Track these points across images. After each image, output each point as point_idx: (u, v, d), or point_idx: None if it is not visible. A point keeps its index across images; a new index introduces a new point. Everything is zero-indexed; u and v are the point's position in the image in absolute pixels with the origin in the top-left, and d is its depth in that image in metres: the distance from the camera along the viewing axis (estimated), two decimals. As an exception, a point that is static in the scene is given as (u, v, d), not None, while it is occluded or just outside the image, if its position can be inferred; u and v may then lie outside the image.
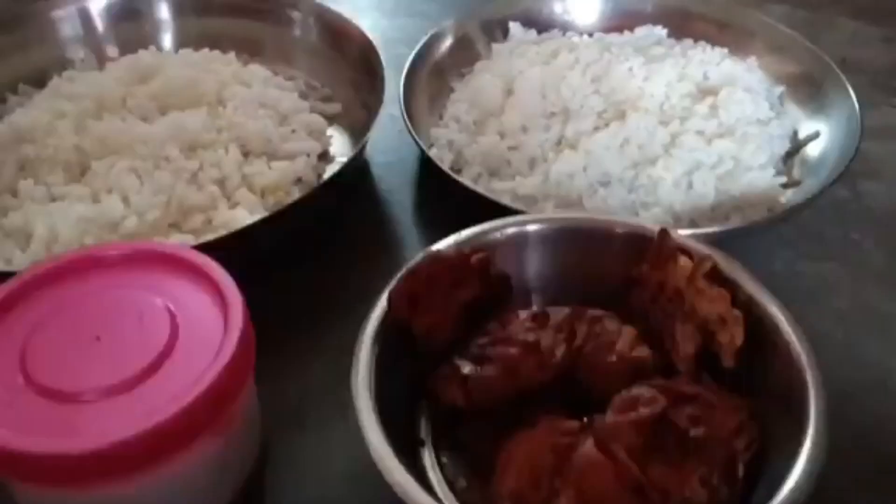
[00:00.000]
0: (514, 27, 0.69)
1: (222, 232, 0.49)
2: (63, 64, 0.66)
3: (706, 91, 0.59)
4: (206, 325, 0.37)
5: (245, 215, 0.51)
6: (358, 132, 0.62)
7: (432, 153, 0.58)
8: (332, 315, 0.49)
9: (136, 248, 0.40)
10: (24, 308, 0.37)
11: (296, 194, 0.55)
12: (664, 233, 0.42)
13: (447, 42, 0.67)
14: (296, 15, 0.67)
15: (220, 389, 0.34)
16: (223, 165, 0.54)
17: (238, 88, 0.60)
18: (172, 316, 0.37)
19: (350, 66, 0.64)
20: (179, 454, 0.34)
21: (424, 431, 0.41)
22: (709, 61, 0.62)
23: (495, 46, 0.67)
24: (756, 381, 0.39)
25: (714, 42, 0.66)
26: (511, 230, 0.45)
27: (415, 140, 0.56)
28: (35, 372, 0.34)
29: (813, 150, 0.58)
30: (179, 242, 0.48)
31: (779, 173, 0.55)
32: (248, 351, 0.37)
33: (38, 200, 0.52)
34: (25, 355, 0.35)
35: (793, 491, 0.33)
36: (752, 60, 0.64)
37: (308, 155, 0.58)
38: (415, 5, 0.81)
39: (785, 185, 0.55)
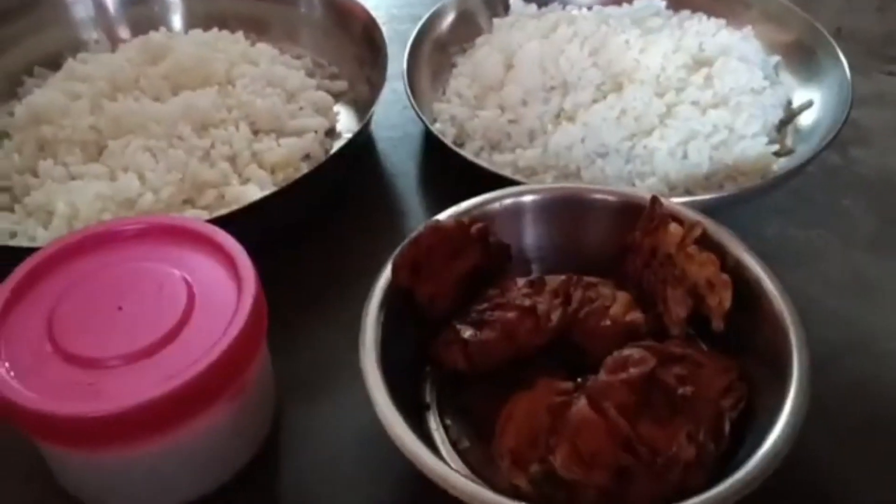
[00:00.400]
0: (515, 1, 0.70)
1: (234, 207, 0.51)
2: (76, 46, 0.68)
3: (701, 62, 0.61)
4: (221, 295, 0.39)
5: (256, 191, 0.53)
6: (363, 108, 0.64)
7: (436, 128, 0.60)
8: (341, 285, 0.52)
9: (152, 223, 0.42)
10: (50, 280, 0.40)
11: (304, 170, 0.57)
12: (655, 200, 0.44)
13: (449, 17, 0.68)
14: (305, -5, 0.69)
15: (235, 355, 0.37)
16: (234, 143, 0.56)
17: (246, 67, 0.61)
18: (189, 286, 0.39)
19: (355, 43, 0.66)
20: (197, 417, 0.37)
21: (429, 396, 0.44)
22: (704, 32, 0.63)
23: (496, 21, 0.69)
24: (744, 341, 0.41)
25: (711, 12, 0.67)
26: (508, 201, 0.47)
27: (418, 115, 0.57)
28: (62, 340, 0.37)
29: (806, 118, 0.60)
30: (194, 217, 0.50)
31: (772, 142, 0.57)
32: (260, 319, 0.40)
33: (57, 179, 0.54)
34: (52, 324, 0.37)
35: (775, 443, 0.35)
36: (748, 30, 0.65)
37: (316, 131, 0.60)
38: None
39: (778, 154, 0.57)
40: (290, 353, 0.46)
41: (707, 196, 0.51)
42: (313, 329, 0.50)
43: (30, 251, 0.41)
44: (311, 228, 0.56)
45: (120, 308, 0.38)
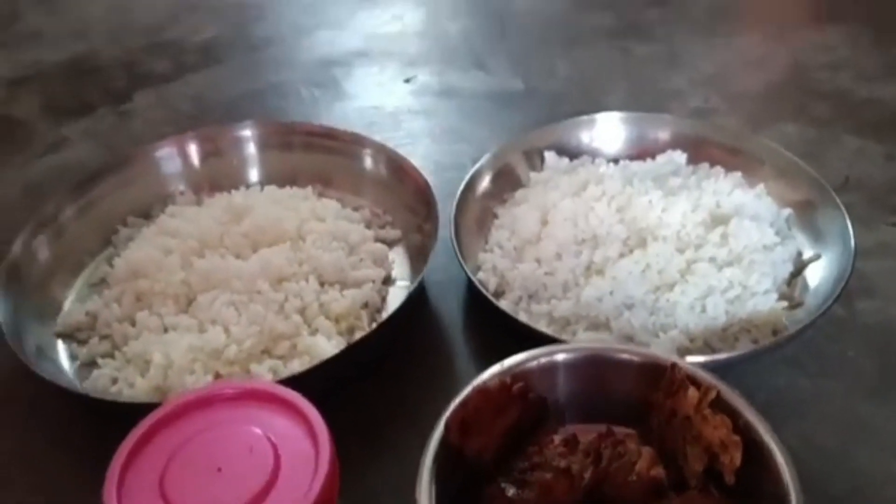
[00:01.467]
0: (549, 156, 0.78)
1: (306, 358, 0.59)
2: (164, 197, 0.78)
3: (718, 219, 0.67)
4: (301, 454, 0.46)
5: (324, 341, 0.61)
6: (415, 255, 0.72)
7: (479, 277, 0.67)
8: (396, 426, 0.59)
9: (243, 388, 0.50)
10: (161, 441, 0.47)
11: (363, 318, 0.65)
12: (674, 366, 0.51)
13: (491, 170, 0.76)
14: (363, 152, 0.78)
15: (317, 510, 0.44)
16: (304, 295, 0.64)
17: (315, 224, 0.70)
18: (274, 447, 0.46)
19: (408, 195, 0.74)
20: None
21: (477, 538, 0.50)
22: (720, 191, 0.70)
23: (532, 175, 0.77)
24: (753, 490, 0.47)
25: (728, 166, 0.75)
26: (544, 359, 0.54)
27: (463, 268, 0.65)
28: (172, 498, 0.44)
29: (814, 270, 0.66)
30: (272, 379, 0.57)
31: (782, 297, 0.63)
32: (335, 473, 0.46)
33: (153, 330, 0.62)
34: (164, 484, 0.44)
35: None
36: (761, 187, 0.72)
37: (374, 281, 0.68)
38: (460, 132, 0.92)
39: (789, 306, 0.63)
40: (352, 491, 0.52)
41: (724, 355, 0.57)
42: (372, 467, 0.56)
43: (133, 407, 0.49)
44: (367, 370, 0.63)
45: (219, 469, 0.45)
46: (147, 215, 0.76)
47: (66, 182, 0.78)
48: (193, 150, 0.79)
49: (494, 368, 0.53)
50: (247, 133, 0.81)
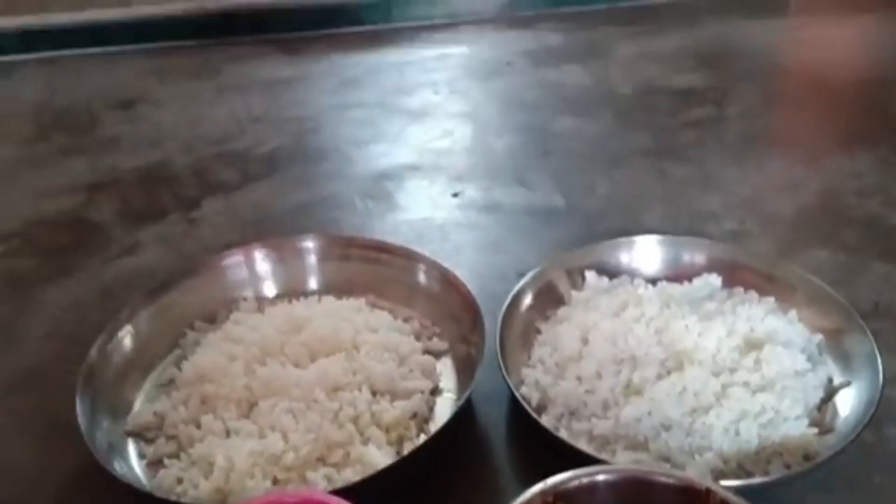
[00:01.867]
0: (590, 275, 0.82)
1: (358, 467, 0.63)
2: (230, 302, 0.83)
3: (752, 344, 0.71)
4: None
5: (375, 451, 0.64)
6: (461, 366, 0.76)
7: (522, 391, 0.71)
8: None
9: (303, 498, 0.54)
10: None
11: (412, 428, 0.69)
12: (709, 491, 0.54)
13: (535, 286, 0.80)
14: (414, 266, 0.83)
15: None
16: (357, 405, 0.68)
17: (368, 335, 0.75)
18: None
19: (455, 307, 0.78)
20: None
21: None
22: (754, 317, 0.74)
23: (574, 294, 0.81)
24: None
25: (761, 291, 0.79)
26: (585, 480, 0.57)
27: (507, 384, 0.69)
28: None
29: (844, 396, 0.69)
30: (327, 487, 0.61)
31: (813, 423, 0.66)
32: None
33: (217, 433, 0.67)
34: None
35: None
36: (793, 314, 0.75)
37: (422, 392, 0.72)
38: (503, 246, 0.97)
39: (819, 432, 0.66)
40: None
41: (757, 480, 0.60)
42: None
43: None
44: (418, 482, 0.66)
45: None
46: (213, 319, 0.82)
47: (139, 285, 0.85)
48: (258, 259, 0.86)
49: (537, 487, 0.56)
50: (308, 245, 0.87)
